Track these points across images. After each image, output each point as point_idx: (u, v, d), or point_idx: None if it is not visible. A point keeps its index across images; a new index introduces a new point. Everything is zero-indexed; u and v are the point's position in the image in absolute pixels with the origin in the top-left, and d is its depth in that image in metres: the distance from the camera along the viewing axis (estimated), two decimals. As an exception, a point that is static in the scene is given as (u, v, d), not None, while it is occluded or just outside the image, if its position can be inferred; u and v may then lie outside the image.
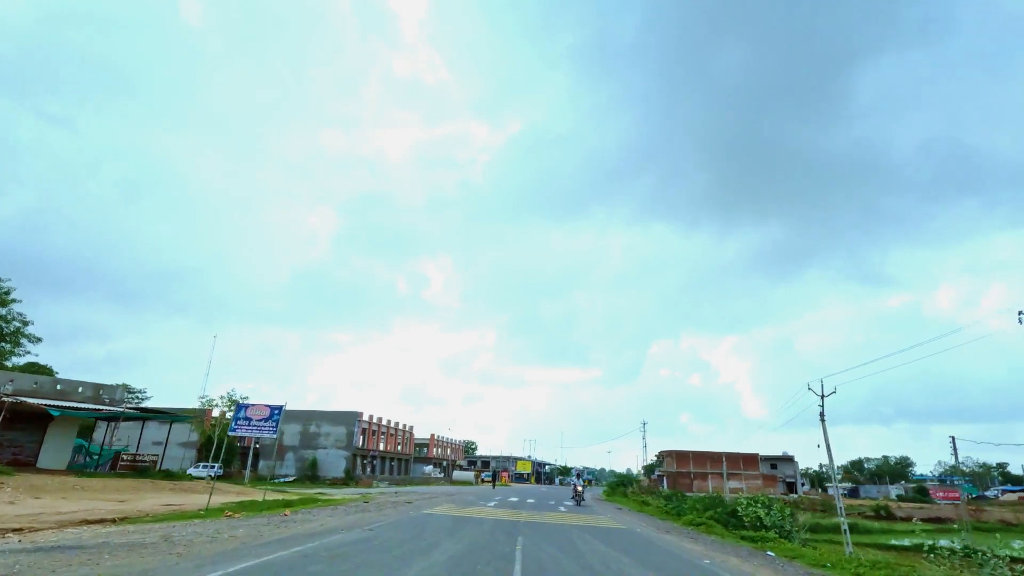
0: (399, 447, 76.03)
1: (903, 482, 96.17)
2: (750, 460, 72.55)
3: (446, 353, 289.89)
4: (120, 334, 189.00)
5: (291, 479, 53.86)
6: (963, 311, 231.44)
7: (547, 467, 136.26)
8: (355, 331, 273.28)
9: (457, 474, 76.37)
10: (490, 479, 63.64)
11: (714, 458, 71.43)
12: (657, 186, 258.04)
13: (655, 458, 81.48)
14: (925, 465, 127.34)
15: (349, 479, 54.27)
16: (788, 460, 79.47)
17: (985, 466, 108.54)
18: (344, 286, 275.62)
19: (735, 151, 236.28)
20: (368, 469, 62.43)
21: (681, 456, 70.86)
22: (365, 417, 60.73)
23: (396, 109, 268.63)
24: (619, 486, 56.80)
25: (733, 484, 70.35)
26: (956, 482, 76.33)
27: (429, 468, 73.06)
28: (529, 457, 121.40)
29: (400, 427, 74.02)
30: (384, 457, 65.82)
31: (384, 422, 66.32)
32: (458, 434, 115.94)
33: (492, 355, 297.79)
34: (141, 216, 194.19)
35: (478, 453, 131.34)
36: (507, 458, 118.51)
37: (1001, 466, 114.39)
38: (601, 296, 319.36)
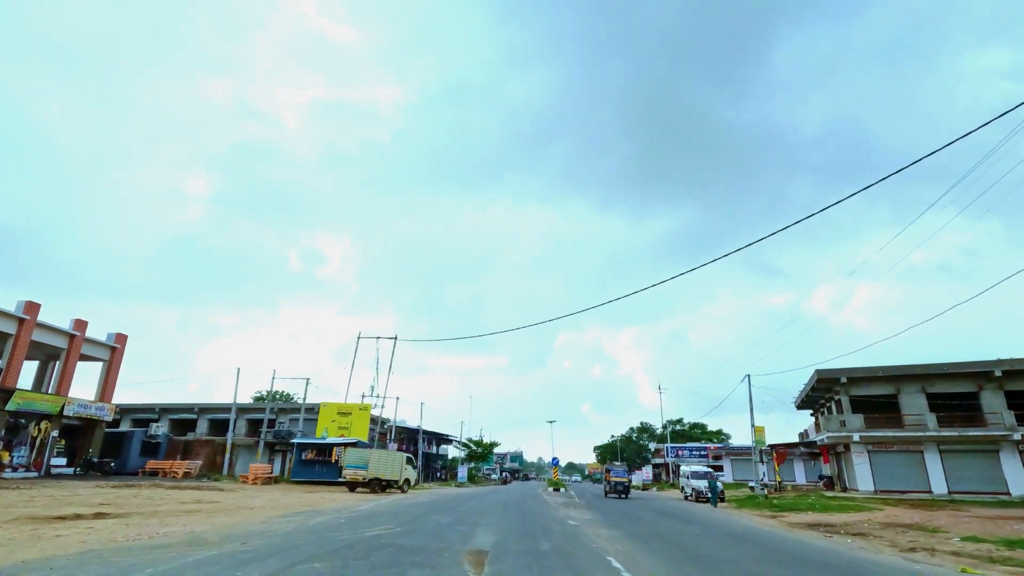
0: None
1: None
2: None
3: (342, 337, 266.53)
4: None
5: None
6: (834, 312, 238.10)
7: (447, 445, 74.11)
8: (240, 312, 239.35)
9: None
10: None
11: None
12: (574, 155, 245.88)
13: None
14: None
15: None
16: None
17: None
18: (226, 258, 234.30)
19: (652, 119, 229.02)
20: None
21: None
22: None
23: (294, 58, 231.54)
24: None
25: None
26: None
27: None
28: (370, 398, 41.24)
29: None
30: None
31: None
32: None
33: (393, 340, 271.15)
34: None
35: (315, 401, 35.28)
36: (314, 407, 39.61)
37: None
38: (512, 281, 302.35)
